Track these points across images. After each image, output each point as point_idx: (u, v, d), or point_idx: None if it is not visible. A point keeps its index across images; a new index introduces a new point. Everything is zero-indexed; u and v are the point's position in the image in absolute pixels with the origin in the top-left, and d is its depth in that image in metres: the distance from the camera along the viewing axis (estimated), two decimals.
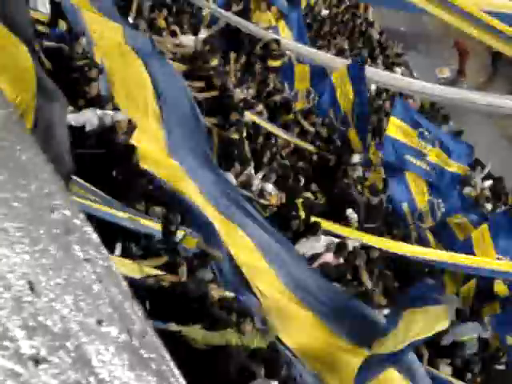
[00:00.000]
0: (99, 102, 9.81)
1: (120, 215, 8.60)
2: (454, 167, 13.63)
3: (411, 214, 13.46)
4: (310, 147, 14.15)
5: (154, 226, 8.79)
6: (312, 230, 11.05)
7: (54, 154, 6.56)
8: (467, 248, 12.38)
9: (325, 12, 23.02)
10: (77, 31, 10.75)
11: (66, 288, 1.73)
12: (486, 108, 14.15)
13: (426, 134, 13.62)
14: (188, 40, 13.72)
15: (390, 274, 11.83)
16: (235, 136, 11.91)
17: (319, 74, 15.03)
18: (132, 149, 9.31)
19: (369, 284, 10.67)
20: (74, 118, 9.08)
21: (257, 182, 11.77)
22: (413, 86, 15.63)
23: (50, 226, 1.88)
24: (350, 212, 12.75)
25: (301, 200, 11.84)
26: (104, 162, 9.28)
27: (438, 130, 15.05)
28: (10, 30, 7.13)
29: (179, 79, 10.70)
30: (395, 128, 13.55)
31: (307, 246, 10.81)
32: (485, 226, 12.69)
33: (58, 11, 11.06)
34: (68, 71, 10.02)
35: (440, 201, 13.48)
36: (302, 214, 11.37)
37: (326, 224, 11.37)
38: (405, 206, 13.47)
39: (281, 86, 15.32)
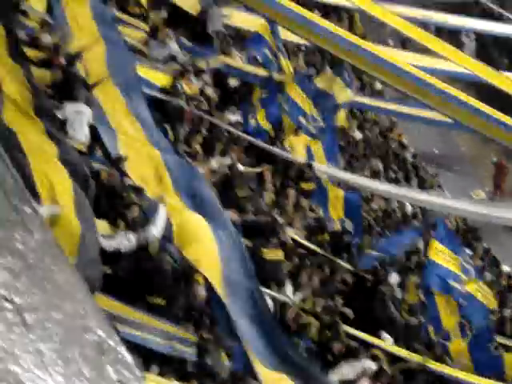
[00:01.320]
0: (138, 224, 9.90)
1: (156, 341, 8.59)
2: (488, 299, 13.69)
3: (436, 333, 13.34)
4: (348, 266, 14.11)
5: (188, 351, 8.75)
6: (354, 354, 10.95)
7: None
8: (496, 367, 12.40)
9: (358, 135, 23.33)
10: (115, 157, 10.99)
11: None
12: None
13: (466, 262, 13.67)
14: (219, 164, 13.89)
15: None
16: (272, 256, 11.92)
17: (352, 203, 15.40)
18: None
19: None
20: (106, 244, 9.19)
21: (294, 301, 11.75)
22: (446, 205, 15.62)
23: (84, 346, 1.87)
24: (384, 335, 12.60)
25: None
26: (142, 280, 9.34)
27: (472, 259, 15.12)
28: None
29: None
30: (437, 252, 13.52)
31: (347, 370, 10.70)
32: None
33: (95, 136, 11.36)
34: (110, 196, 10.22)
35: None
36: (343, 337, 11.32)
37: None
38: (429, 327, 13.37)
39: (315, 207, 15.48)
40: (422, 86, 10.56)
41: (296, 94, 17.05)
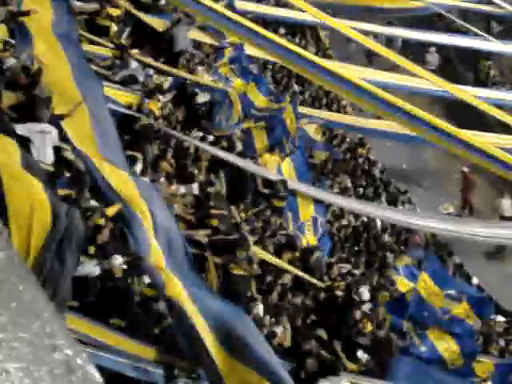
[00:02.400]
0: (107, 249, 9.84)
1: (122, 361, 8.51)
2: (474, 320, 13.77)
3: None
4: (319, 283, 14.11)
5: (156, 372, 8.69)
6: (332, 371, 10.90)
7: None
8: None
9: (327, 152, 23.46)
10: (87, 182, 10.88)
11: None
12: (491, 240, 14.23)
13: (453, 293, 13.73)
14: (188, 188, 13.83)
15: None
16: (240, 272, 11.90)
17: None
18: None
19: None
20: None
21: (267, 323, 11.70)
22: (416, 221, 15.75)
23: (52, 365, 1.85)
24: (360, 354, 12.59)
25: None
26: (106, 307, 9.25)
27: (466, 286, 15.13)
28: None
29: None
30: (424, 284, 13.62)
31: None
32: None
33: (61, 161, 11.27)
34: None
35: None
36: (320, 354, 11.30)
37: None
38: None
39: (284, 224, 15.55)
40: (385, 106, 10.68)
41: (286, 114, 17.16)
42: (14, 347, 1.89)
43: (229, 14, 12.88)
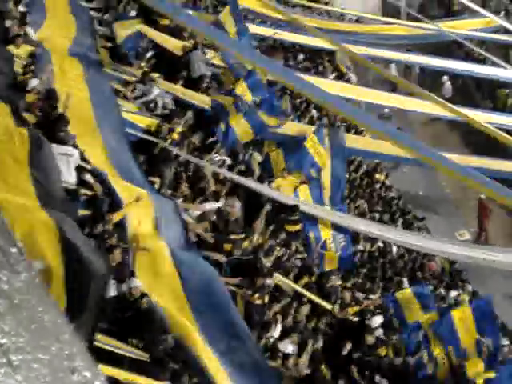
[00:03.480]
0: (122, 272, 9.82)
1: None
2: None
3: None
4: (335, 309, 14.08)
5: None
6: None
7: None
8: None
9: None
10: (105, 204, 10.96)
11: None
12: (508, 266, 14.11)
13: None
14: (211, 207, 13.86)
15: None
16: (258, 301, 11.89)
17: None
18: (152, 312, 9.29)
19: None
20: None
21: (281, 347, 11.69)
22: (431, 245, 15.69)
23: None
24: (378, 379, 12.57)
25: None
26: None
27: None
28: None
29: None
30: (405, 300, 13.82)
31: None
32: None
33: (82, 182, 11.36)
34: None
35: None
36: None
37: None
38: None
39: (302, 249, 15.54)
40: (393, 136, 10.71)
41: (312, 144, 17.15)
42: (34, 368, 1.91)
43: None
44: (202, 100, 16.90)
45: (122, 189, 10.96)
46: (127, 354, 8.64)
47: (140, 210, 10.69)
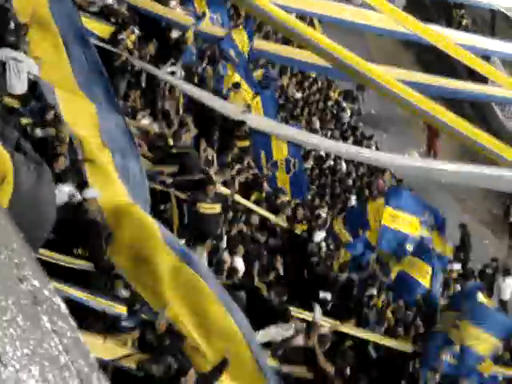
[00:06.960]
0: (66, 177, 9.71)
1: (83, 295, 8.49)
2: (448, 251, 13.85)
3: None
4: (283, 223, 14.23)
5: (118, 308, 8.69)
6: (283, 317, 10.81)
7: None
8: None
9: (297, 94, 23.40)
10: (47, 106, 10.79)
11: (32, 359, 1.71)
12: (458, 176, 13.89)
13: (427, 219, 13.57)
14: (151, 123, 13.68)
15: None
16: (209, 211, 11.94)
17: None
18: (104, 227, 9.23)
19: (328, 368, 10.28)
20: None
21: (227, 259, 11.79)
22: (381, 158, 15.67)
23: (19, 296, 1.87)
24: (322, 294, 12.66)
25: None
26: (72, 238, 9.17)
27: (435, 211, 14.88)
28: None
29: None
30: (391, 218, 13.39)
31: (277, 332, 10.53)
32: None
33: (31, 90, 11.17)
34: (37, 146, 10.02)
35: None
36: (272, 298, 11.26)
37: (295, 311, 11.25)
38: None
39: (253, 164, 15.56)
40: None
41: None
42: None
43: None
44: (157, 9, 16.52)
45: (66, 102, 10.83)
46: (71, 266, 8.62)
47: (86, 120, 10.64)
